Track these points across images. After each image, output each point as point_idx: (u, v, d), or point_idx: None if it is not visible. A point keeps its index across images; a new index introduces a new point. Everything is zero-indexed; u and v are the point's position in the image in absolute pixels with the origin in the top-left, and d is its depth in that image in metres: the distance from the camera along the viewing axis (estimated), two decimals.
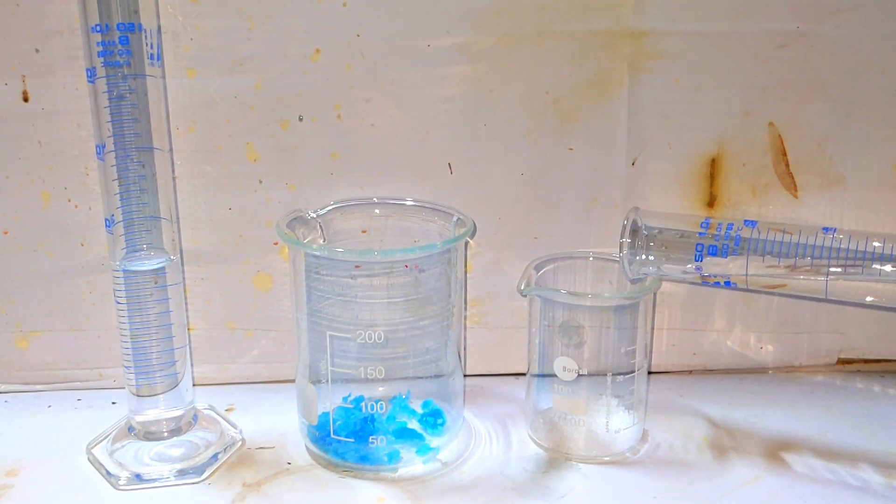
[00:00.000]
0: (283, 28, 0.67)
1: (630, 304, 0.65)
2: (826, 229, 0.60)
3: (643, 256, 0.63)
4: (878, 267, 0.57)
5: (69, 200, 0.70)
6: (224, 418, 0.69)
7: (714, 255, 0.61)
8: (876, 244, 0.58)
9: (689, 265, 0.62)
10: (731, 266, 0.61)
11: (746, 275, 0.60)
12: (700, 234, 0.62)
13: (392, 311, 0.64)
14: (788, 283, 0.60)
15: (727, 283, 0.62)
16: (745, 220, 0.62)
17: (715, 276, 0.62)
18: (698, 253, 0.61)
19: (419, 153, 0.71)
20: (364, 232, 0.70)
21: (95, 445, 0.65)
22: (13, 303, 0.73)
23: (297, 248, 0.63)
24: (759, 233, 0.61)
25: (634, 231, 0.64)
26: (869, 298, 0.59)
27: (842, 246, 0.58)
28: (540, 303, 0.66)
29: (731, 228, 0.61)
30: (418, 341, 0.65)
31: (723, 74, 0.70)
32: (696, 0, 0.69)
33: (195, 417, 0.67)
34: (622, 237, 0.64)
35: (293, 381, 0.67)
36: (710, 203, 0.73)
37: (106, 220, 0.61)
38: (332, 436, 0.64)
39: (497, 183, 0.72)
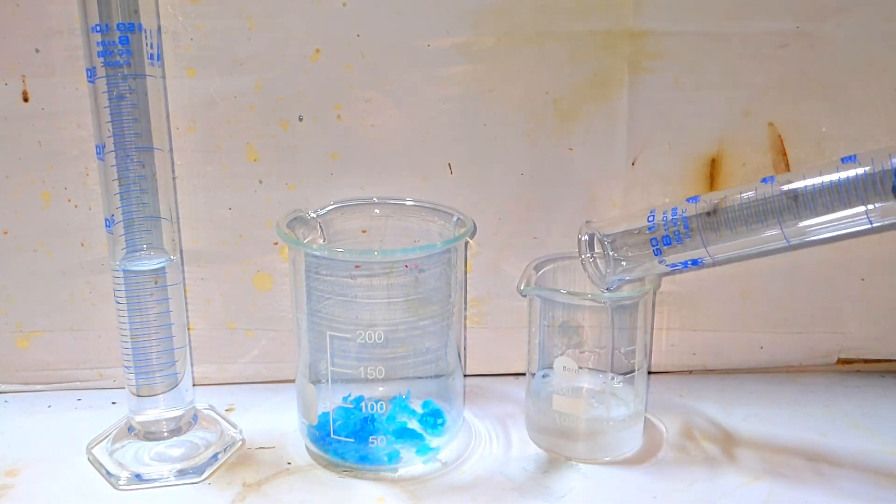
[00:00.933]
0: (283, 28, 0.67)
1: (630, 304, 0.65)
2: (765, 180, 0.59)
3: (608, 268, 0.63)
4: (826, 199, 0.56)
5: (69, 200, 0.70)
6: (224, 418, 0.69)
7: (669, 244, 0.61)
8: (815, 176, 0.57)
9: (652, 261, 0.62)
10: (690, 248, 0.60)
11: (707, 249, 0.60)
12: (650, 228, 0.61)
13: (392, 311, 0.64)
14: (749, 241, 0.59)
15: (694, 262, 0.61)
16: (688, 198, 0.61)
17: (681, 260, 0.61)
18: (655, 248, 0.61)
19: (419, 153, 0.71)
20: (364, 232, 0.70)
21: (95, 445, 0.65)
22: (13, 303, 0.73)
23: (297, 248, 0.63)
24: (704, 206, 0.60)
25: (592, 245, 0.64)
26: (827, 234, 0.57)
27: (784, 188, 0.57)
28: (540, 303, 0.66)
29: (676, 213, 0.61)
30: (418, 341, 0.65)
31: (723, 74, 0.70)
32: (696, 0, 0.69)
33: (195, 417, 0.67)
34: (581, 254, 0.64)
35: (293, 381, 0.67)
36: None
37: (106, 220, 0.61)
38: (332, 436, 0.64)
39: (497, 183, 0.72)
